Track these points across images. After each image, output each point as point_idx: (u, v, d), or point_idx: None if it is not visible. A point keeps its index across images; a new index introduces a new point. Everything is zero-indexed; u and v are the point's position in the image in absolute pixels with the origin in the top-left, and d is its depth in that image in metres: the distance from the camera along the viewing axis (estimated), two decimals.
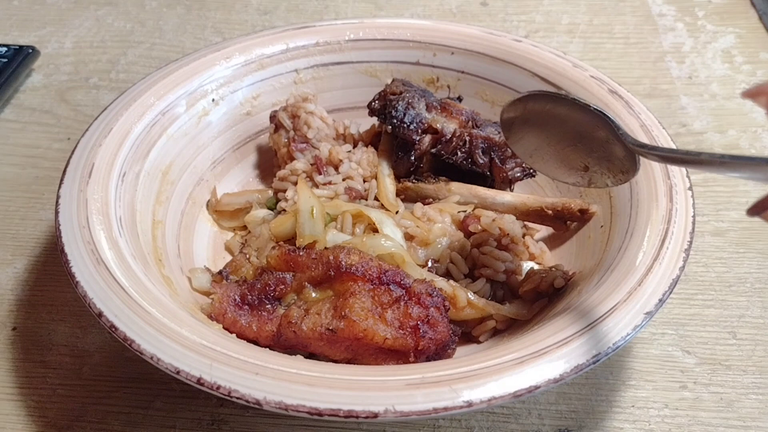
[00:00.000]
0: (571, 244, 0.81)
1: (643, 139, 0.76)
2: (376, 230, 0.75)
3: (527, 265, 0.77)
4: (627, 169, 0.62)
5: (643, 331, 0.77)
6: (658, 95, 1.10)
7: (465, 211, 0.79)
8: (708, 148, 1.01)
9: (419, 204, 0.80)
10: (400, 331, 0.64)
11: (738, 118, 1.06)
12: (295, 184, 0.83)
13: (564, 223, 0.82)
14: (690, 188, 0.71)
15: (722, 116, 1.06)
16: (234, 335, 0.66)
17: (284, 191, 0.83)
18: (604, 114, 0.61)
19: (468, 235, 0.77)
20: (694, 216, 0.68)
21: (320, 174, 0.83)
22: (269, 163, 0.94)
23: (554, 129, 0.65)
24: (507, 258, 0.75)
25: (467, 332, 0.74)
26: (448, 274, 0.75)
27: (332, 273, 0.67)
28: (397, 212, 0.79)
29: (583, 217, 0.79)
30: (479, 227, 0.77)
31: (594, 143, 0.63)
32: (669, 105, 1.09)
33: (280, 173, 0.86)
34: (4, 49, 1.15)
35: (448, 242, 0.76)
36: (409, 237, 0.76)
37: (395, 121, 0.82)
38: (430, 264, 0.75)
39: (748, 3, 1.29)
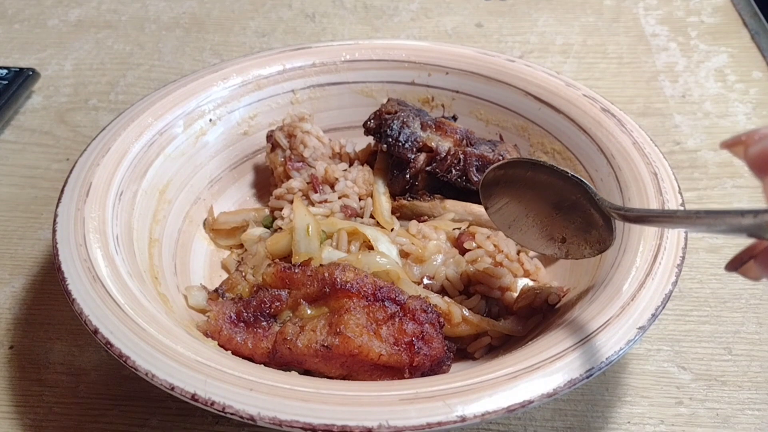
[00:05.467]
0: (564, 261, 0.81)
1: (634, 155, 0.76)
2: (371, 247, 0.76)
3: (522, 282, 0.78)
4: (604, 239, 0.63)
5: (639, 348, 0.77)
6: (652, 114, 1.11)
7: (460, 229, 0.79)
8: (702, 165, 1.02)
9: (414, 221, 0.81)
10: (395, 347, 0.64)
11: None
12: (292, 202, 0.83)
13: None
14: (682, 205, 0.72)
15: (716, 134, 1.07)
16: (229, 352, 0.66)
17: (280, 209, 0.84)
18: (581, 181, 0.62)
19: (463, 252, 0.78)
20: (686, 232, 0.69)
21: (316, 192, 0.84)
22: (266, 182, 0.95)
23: (533, 198, 0.66)
24: (502, 274, 0.76)
25: (462, 348, 0.74)
26: (443, 291, 0.75)
27: (327, 290, 0.67)
28: (392, 230, 0.80)
29: None
30: (474, 244, 0.77)
31: (572, 212, 0.64)
32: (663, 123, 1.10)
33: (277, 192, 0.87)
34: (5, 71, 1.17)
35: (443, 259, 0.77)
36: (404, 254, 0.76)
37: (390, 140, 0.82)
38: (425, 281, 0.76)
39: (740, 23, 1.30)
